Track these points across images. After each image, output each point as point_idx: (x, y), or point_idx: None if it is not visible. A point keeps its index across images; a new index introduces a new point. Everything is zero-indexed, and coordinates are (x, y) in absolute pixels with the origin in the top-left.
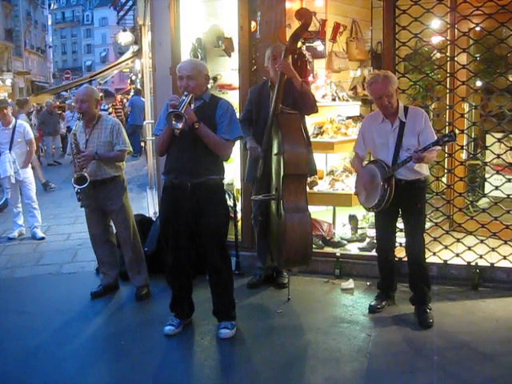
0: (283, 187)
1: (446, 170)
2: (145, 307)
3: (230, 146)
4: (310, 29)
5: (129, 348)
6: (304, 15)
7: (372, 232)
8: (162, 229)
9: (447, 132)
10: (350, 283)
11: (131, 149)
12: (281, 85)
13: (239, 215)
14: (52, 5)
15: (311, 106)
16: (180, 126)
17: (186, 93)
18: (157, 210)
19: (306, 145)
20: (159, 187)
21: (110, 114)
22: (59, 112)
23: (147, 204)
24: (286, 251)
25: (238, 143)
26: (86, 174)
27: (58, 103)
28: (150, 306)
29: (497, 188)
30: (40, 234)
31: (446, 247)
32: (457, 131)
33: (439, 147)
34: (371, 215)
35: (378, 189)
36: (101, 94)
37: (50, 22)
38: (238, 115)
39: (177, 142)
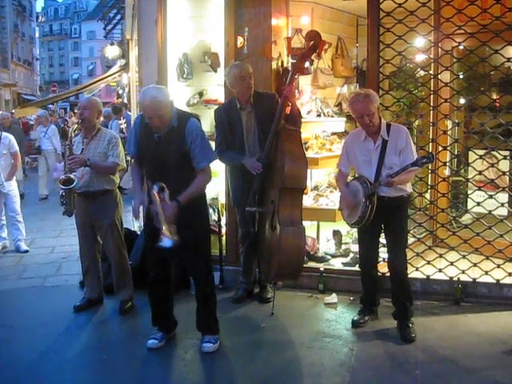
0: (280, 200)
1: (429, 186)
2: (128, 321)
3: (209, 172)
4: (296, 45)
5: (112, 362)
6: (313, 38)
7: (356, 247)
8: (145, 242)
9: (428, 153)
10: (333, 297)
11: (125, 165)
12: (283, 106)
13: (224, 230)
14: (40, 17)
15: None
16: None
17: (156, 188)
18: (142, 224)
19: (306, 160)
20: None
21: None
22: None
23: (132, 218)
24: (277, 264)
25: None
26: (72, 177)
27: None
28: (134, 319)
29: (479, 204)
30: (24, 246)
31: (428, 262)
32: (440, 148)
33: (417, 167)
34: (355, 231)
35: (360, 205)
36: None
37: (37, 35)
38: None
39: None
